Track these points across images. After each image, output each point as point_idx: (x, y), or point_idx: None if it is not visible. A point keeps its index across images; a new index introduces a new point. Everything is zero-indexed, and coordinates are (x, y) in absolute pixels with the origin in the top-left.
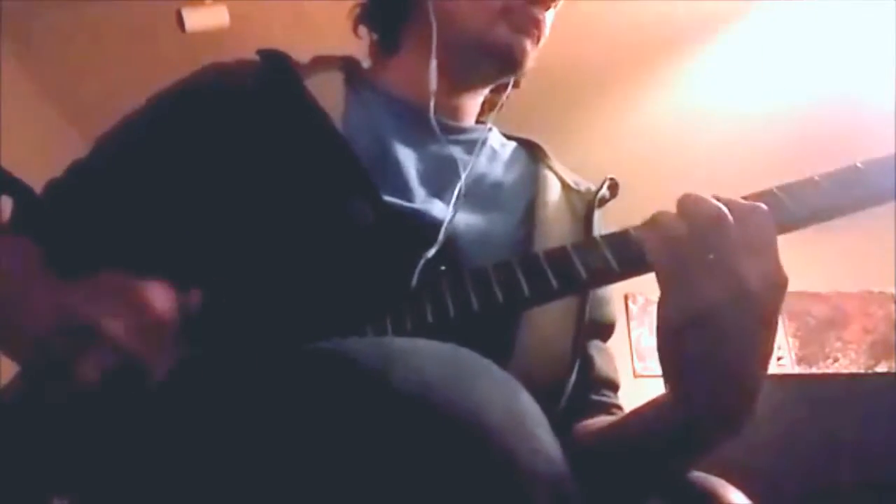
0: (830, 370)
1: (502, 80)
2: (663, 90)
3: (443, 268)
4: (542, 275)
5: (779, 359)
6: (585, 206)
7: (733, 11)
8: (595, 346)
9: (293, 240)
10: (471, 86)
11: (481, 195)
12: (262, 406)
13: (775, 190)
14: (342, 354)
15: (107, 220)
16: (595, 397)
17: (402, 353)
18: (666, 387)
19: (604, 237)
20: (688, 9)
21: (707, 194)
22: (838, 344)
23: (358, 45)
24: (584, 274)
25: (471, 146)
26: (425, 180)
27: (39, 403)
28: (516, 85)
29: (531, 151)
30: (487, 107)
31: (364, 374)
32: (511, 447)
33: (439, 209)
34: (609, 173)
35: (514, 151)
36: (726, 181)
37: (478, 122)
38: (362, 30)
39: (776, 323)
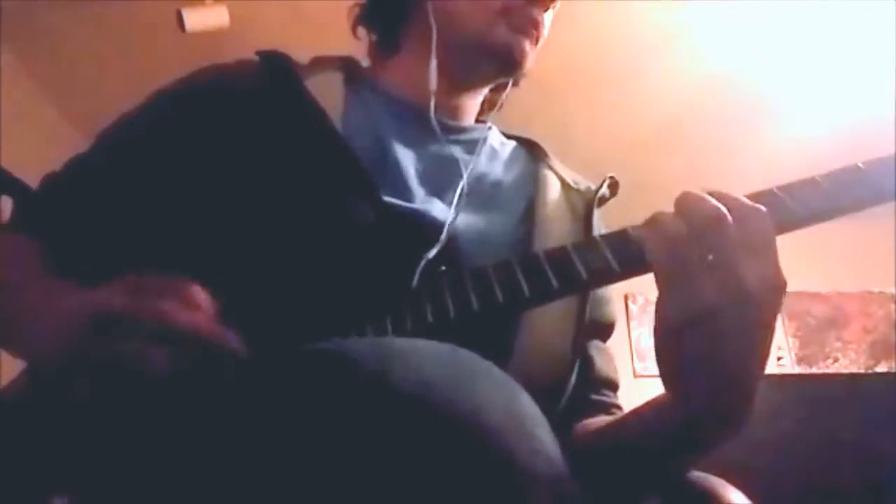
0: (830, 370)
1: (502, 80)
2: (662, 89)
3: (443, 268)
4: (542, 275)
5: (779, 359)
6: (585, 205)
7: (731, 10)
8: (595, 346)
9: (293, 240)
10: (470, 86)
11: (481, 195)
12: (261, 406)
13: (775, 190)
14: (342, 354)
15: (103, 217)
16: (595, 397)
17: (401, 353)
18: (664, 387)
19: (604, 237)
20: (685, 7)
21: (709, 188)
22: (838, 344)
23: (358, 46)
24: (584, 274)
25: (471, 146)
26: (425, 180)
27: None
28: (515, 84)
29: (531, 150)
30: (487, 106)
31: (363, 373)
32: (511, 447)
33: (439, 209)
34: (607, 171)
35: (514, 151)
36: (725, 180)
37: (477, 121)
38: (361, 30)
39: (774, 324)
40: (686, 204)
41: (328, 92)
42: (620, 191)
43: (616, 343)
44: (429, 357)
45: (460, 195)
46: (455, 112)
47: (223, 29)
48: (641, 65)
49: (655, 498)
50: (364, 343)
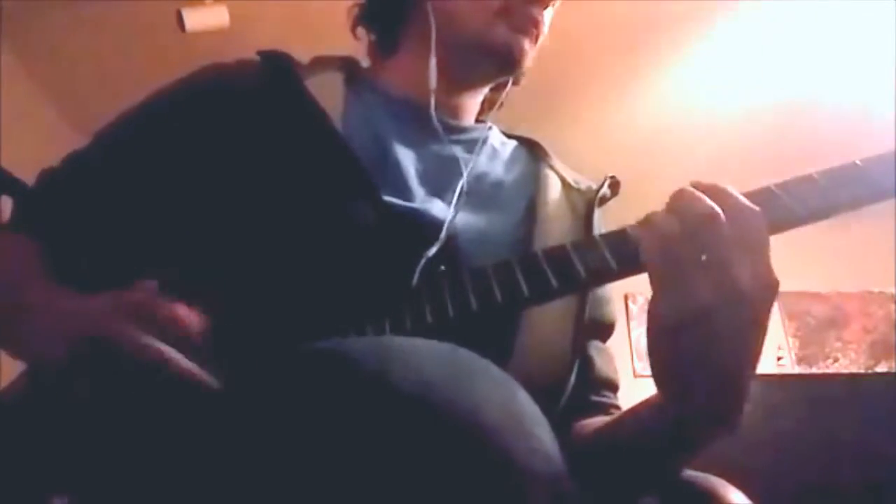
0: (830, 370)
1: (501, 80)
2: (660, 87)
3: (442, 267)
4: (541, 274)
5: (779, 359)
6: (586, 204)
7: (728, 8)
8: (594, 347)
9: (293, 240)
10: (470, 85)
11: (482, 194)
12: (261, 405)
13: (773, 188)
14: (341, 354)
15: (102, 216)
16: (594, 398)
17: (401, 352)
18: (656, 386)
19: (603, 236)
20: (682, 6)
21: (703, 182)
22: (838, 344)
23: (358, 45)
24: (583, 273)
25: (471, 145)
26: (425, 180)
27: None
28: (516, 83)
29: (531, 150)
30: (487, 105)
31: (363, 373)
32: (509, 446)
33: (439, 208)
34: (606, 170)
35: (515, 150)
36: (723, 178)
37: (477, 120)
38: (361, 30)
39: (767, 323)
40: (679, 202)
41: (328, 92)
42: (621, 190)
43: (616, 343)
44: (428, 356)
45: (460, 194)
46: (455, 111)
47: (223, 29)
48: (642, 64)
49: (654, 497)
50: (364, 342)
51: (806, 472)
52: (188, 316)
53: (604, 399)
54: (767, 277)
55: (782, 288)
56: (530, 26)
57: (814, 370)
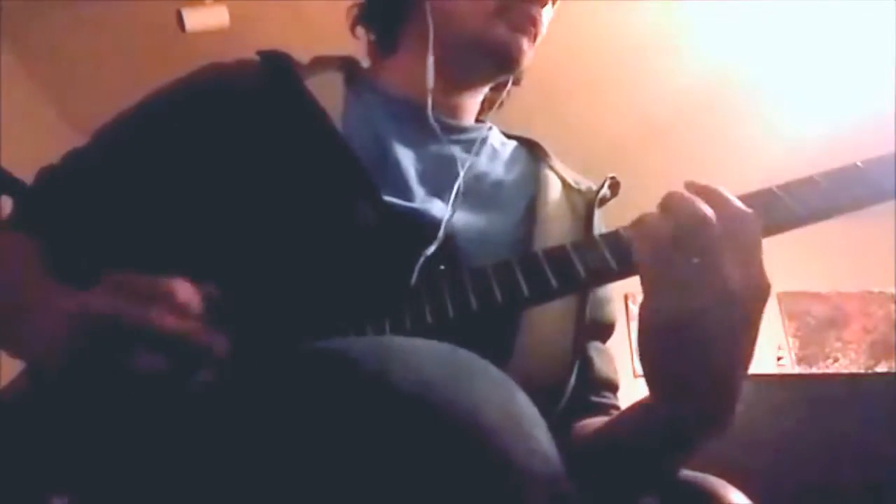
0: (830, 370)
1: (500, 79)
2: (659, 87)
3: (442, 267)
4: (541, 274)
5: (779, 359)
6: (586, 205)
7: (729, 8)
8: (594, 348)
9: (293, 240)
10: (469, 85)
11: (482, 194)
12: (260, 405)
13: (775, 189)
14: (341, 353)
15: (102, 216)
16: (594, 398)
17: (400, 352)
18: (647, 387)
19: (602, 236)
20: (685, 7)
21: (697, 183)
22: (838, 344)
23: (358, 45)
24: (583, 273)
25: (470, 145)
26: (425, 179)
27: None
28: (516, 83)
29: (532, 150)
30: (487, 105)
31: (363, 373)
32: (507, 447)
33: (439, 208)
34: (607, 171)
35: (515, 150)
36: (724, 179)
37: (477, 120)
38: (360, 30)
39: (759, 325)
40: (671, 204)
41: (328, 92)
42: (621, 190)
43: (616, 343)
44: (428, 356)
45: (457, 193)
46: (455, 111)
47: (223, 29)
48: (641, 64)
49: (654, 497)
50: (363, 342)
51: (806, 472)
52: (184, 286)
53: (603, 400)
54: (759, 280)
55: (782, 288)
56: (529, 25)
57: (814, 370)
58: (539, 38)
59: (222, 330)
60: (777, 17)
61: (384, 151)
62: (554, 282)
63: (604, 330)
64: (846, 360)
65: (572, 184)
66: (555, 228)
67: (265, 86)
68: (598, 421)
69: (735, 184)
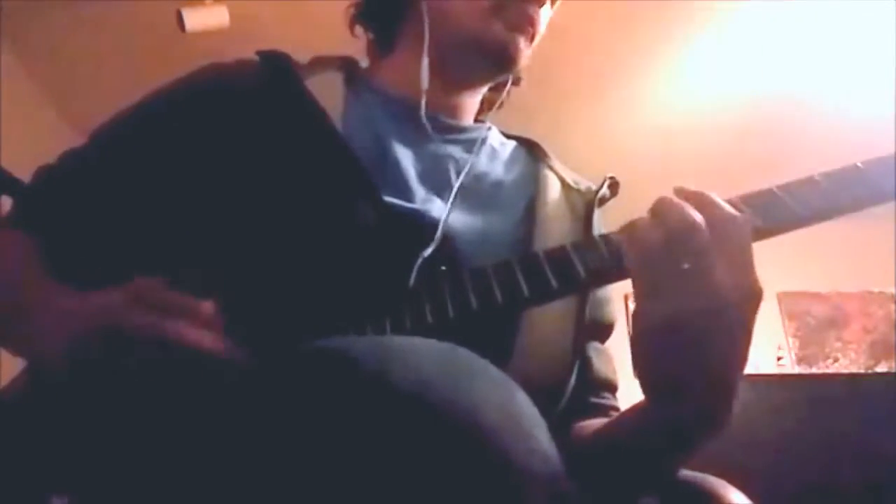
0: (830, 370)
1: (499, 79)
2: (658, 87)
3: (443, 267)
4: (541, 274)
5: (779, 359)
6: (585, 205)
7: (729, 8)
8: (593, 348)
9: (293, 240)
10: (467, 84)
11: (481, 194)
12: (261, 404)
13: (776, 189)
14: (341, 353)
15: (101, 215)
16: (593, 399)
17: (400, 351)
18: (641, 391)
19: (602, 237)
20: (683, 7)
21: (686, 189)
22: (838, 344)
23: (358, 45)
24: (583, 273)
25: (470, 145)
26: (424, 179)
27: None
28: (516, 83)
29: (531, 150)
30: (486, 105)
31: (363, 372)
32: (507, 447)
33: (439, 208)
34: (606, 171)
35: (514, 150)
36: (723, 178)
37: (477, 120)
38: (360, 29)
39: (752, 328)
40: (661, 210)
41: (328, 92)
42: (620, 190)
43: (616, 343)
44: (427, 356)
45: (454, 193)
46: (454, 111)
47: (223, 29)
48: (642, 64)
49: (654, 497)
50: (363, 342)
51: (806, 472)
52: (195, 301)
53: (602, 400)
54: (750, 282)
55: (782, 288)
56: (526, 24)
57: (814, 370)
58: (537, 38)
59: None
60: (777, 17)
61: (384, 151)
62: (554, 282)
63: (603, 330)
64: (846, 360)
65: (571, 184)
66: (554, 228)
67: (265, 86)
68: (597, 422)
69: (735, 183)
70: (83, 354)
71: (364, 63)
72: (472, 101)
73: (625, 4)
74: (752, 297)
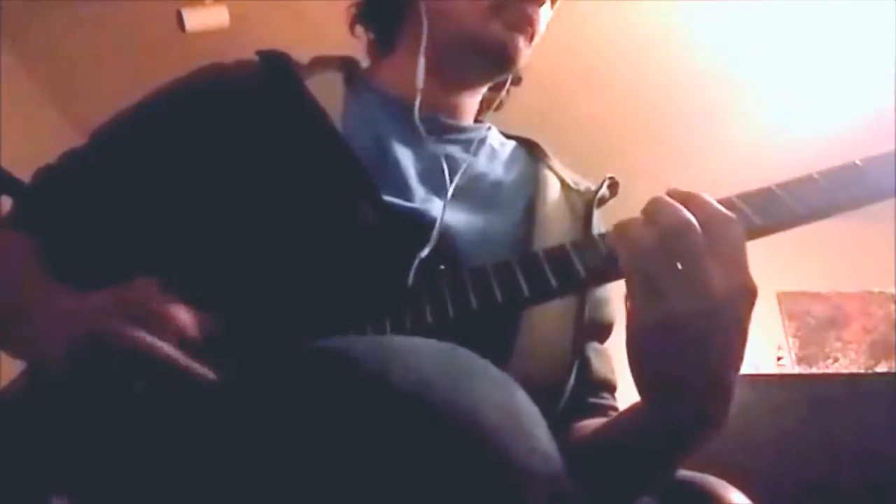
0: (830, 370)
1: (498, 79)
2: (659, 87)
3: (442, 267)
4: (541, 274)
5: (779, 359)
6: (585, 205)
7: (729, 7)
8: (592, 348)
9: (293, 240)
10: (467, 84)
11: (481, 194)
12: (261, 404)
13: (774, 187)
14: (341, 353)
15: (100, 215)
16: (592, 400)
17: (400, 351)
18: (637, 391)
19: (602, 236)
20: (683, 7)
21: (679, 190)
22: (838, 344)
23: (358, 45)
24: (583, 272)
25: (469, 145)
26: (424, 179)
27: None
28: (516, 83)
29: (531, 151)
30: (486, 105)
31: (363, 372)
32: (508, 446)
33: (438, 208)
34: (605, 170)
35: (514, 150)
36: (723, 179)
37: (477, 120)
38: (360, 29)
39: (747, 328)
40: (653, 211)
41: (328, 92)
42: (620, 190)
43: (616, 343)
44: (427, 356)
45: (452, 192)
46: (453, 111)
47: (223, 29)
48: (642, 64)
49: (654, 498)
50: (363, 342)
51: (806, 472)
52: (184, 313)
53: (601, 401)
54: (744, 282)
55: (782, 288)
56: (525, 24)
57: (814, 370)
58: (537, 38)
59: (212, 362)
60: (777, 17)
61: (384, 151)
62: (554, 281)
63: (602, 330)
64: (846, 360)
65: (571, 184)
66: (554, 228)
67: (265, 86)
68: (595, 422)
69: (735, 183)
70: (78, 356)
71: (364, 63)
72: (471, 101)
73: (625, 4)
74: (747, 296)
